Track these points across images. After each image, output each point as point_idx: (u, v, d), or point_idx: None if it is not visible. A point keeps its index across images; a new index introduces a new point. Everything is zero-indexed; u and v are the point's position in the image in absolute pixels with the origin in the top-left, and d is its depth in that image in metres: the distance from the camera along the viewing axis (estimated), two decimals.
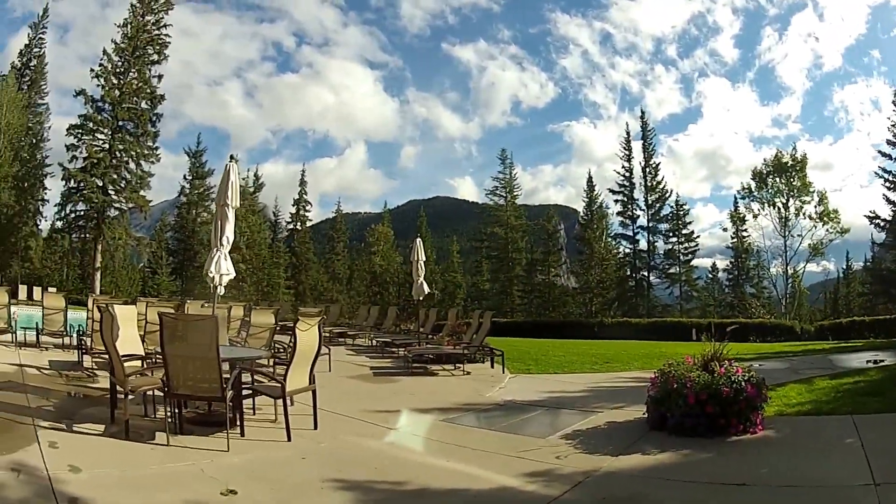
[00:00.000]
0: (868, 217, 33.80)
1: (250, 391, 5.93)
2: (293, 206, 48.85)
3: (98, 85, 34.45)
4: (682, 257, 42.39)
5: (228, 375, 5.20)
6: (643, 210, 43.20)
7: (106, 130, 34.76)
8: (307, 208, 49.11)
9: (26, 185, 36.44)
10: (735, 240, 41.72)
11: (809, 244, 38.18)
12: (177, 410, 5.45)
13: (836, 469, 4.43)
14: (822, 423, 5.93)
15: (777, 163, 39.35)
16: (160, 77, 36.19)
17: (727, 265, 42.97)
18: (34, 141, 38.23)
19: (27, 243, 38.25)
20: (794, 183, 38.61)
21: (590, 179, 45.43)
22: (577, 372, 10.88)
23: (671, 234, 42.78)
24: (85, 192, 33.92)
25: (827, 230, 37.76)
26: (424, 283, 13.42)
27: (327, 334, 11.09)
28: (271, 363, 7.18)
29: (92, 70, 34.59)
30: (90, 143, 34.08)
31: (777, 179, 39.25)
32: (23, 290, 23.32)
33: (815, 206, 37.97)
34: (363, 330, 16.61)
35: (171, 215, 46.72)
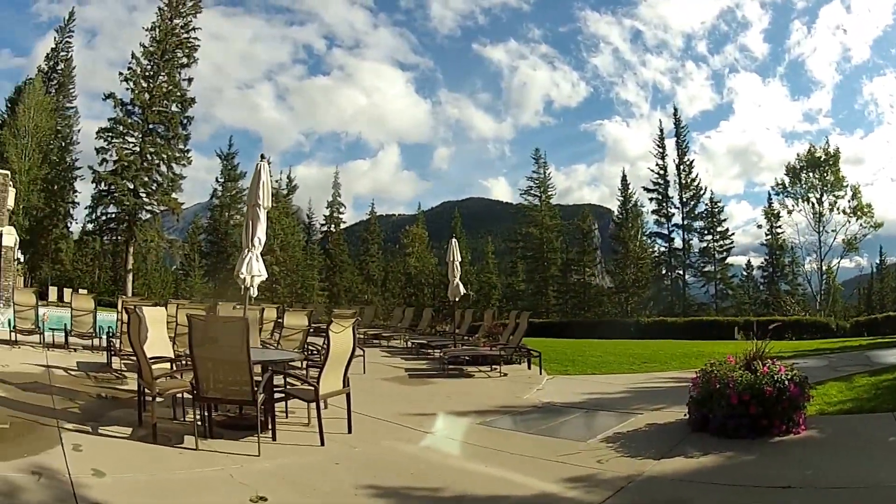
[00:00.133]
0: None
1: (282, 394, 5.78)
2: (327, 208, 49.17)
3: (127, 88, 35.25)
4: (717, 255, 41.92)
5: (260, 378, 5.03)
6: (678, 208, 42.88)
7: (136, 133, 35.39)
8: (341, 210, 49.39)
9: (56, 187, 37.38)
10: (769, 237, 41.23)
11: (843, 239, 37.77)
12: (206, 414, 5.27)
13: (880, 469, 4.33)
14: (864, 421, 5.79)
15: (810, 157, 38.98)
16: (190, 80, 36.91)
17: (762, 262, 42.37)
18: (63, 144, 39.17)
19: (58, 245, 39.12)
20: (827, 177, 38.23)
21: (624, 178, 45.21)
22: (615, 373, 10.68)
23: (706, 232, 42.41)
24: (116, 194, 34.54)
25: (861, 225, 37.42)
26: (460, 283, 13.17)
27: (362, 336, 10.95)
28: (304, 366, 6.99)
29: (121, 74, 35.42)
30: (120, 147, 34.71)
31: (810, 174, 38.90)
32: (53, 292, 23.70)
33: (849, 201, 37.62)
34: (398, 331, 16.48)
35: (203, 218, 47.29)
